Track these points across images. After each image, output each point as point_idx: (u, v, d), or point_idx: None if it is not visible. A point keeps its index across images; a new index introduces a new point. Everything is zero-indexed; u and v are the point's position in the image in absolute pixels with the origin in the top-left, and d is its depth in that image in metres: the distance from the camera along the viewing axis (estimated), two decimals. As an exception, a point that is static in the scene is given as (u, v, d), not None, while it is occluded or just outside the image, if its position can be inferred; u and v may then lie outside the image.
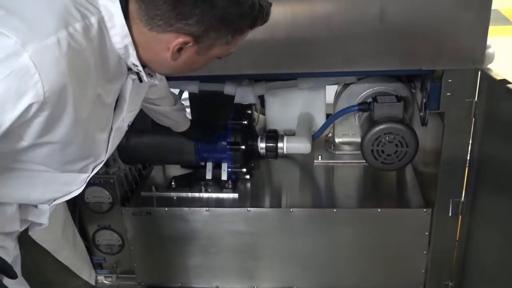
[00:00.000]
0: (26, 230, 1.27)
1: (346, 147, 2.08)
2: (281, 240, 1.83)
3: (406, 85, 1.85)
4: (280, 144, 1.85)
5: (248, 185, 1.96)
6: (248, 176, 1.96)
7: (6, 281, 1.06)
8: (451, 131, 1.55)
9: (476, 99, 1.49)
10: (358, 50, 1.46)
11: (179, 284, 1.96)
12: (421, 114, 1.70)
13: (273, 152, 1.86)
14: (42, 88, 0.82)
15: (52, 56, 0.83)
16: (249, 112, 1.96)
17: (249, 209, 1.79)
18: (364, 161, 1.70)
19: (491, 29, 1.38)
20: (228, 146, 1.84)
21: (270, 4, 0.99)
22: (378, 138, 1.64)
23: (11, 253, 1.16)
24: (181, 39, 0.93)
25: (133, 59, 0.98)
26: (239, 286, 1.93)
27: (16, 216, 1.17)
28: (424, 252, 1.78)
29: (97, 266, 2.02)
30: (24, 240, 1.26)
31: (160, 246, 1.89)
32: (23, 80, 0.81)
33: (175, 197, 1.90)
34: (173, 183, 1.93)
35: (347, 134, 2.05)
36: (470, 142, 1.57)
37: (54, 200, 1.20)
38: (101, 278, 2.06)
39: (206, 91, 1.95)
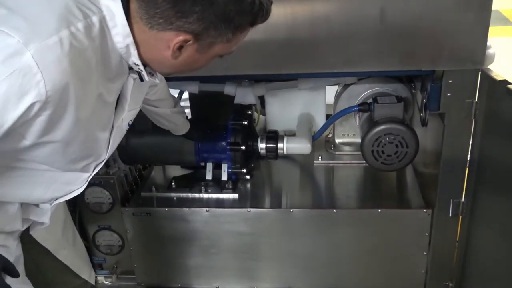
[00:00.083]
0: (27, 230, 1.27)
1: (346, 148, 2.08)
2: (281, 241, 1.83)
3: (407, 86, 1.85)
4: (280, 145, 1.84)
5: (248, 185, 1.96)
6: (248, 177, 1.96)
7: (9, 280, 1.05)
8: (452, 131, 1.55)
9: (476, 100, 1.49)
10: (358, 50, 1.46)
11: (179, 285, 1.96)
12: (421, 114, 1.70)
13: (273, 153, 1.86)
14: (44, 87, 0.83)
15: (54, 55, 0.83)
16: (249, 112, 1.96)
17: (249, 209, 1.79)
18: (364, 161, 1.70)
19: (492, 29, 1.39)
20: (228, 147, 1.84)
21: (271, 2, 0.99)
22: (378, 139, 1.64)
23: (13, 252, 1.16)
24: (181, 37, 0.93)
25: (134, 59, 0.98)
26: (239, 286, 1.93)
27: (17, 215, 1.17)
28: (424, 253, 1.78)
29: (97, 266, 2.02)
30: (25, 239, 1.26)
31: (160, 246, 1.89)
32: (26, 79, 0.81)
33: (175, 198, 1.90)
34: (173, 183, 1.93)
35: (347, 135, 2.05)
36: (471, 142, 1.57)
37: (56, 199, 1.20)
38: (101, 279, 2.06)
39: (206, 92, 1.95)
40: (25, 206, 1.19)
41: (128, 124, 1.19)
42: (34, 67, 0.81)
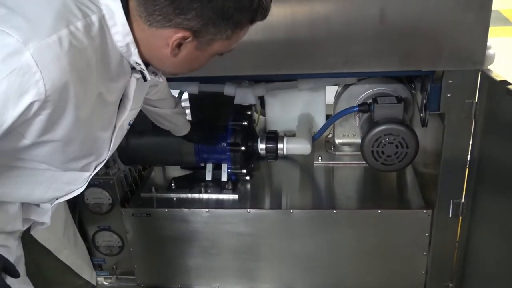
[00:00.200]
0: (27, 230, 1.27)
1: (346, 148, 2.08)
2: (281, 241, 1.83)
3: (406, 86, 1.85)
4: (280, 145, 1.84)
5: (248, 186, 1.96)
6: (248, 177, 1.96)
7: (9, 280, 1.05)
8: (452, 132, 1.55)
9: (476, 100, 1.49)
10: (358, 51, 1.46)
11: (179, 285, 1.96)
12: (421, 115, 1.70)
13: (273, 153, 1.85)
14: (43, 86, 0.83)
15: (53, 54, 0.83)
16: (249, 113, 1.96)
17: (249, 210, 1.78)
18: (364, 162, 1.70)
19: (492, 29, 1.38)
20: (228, 147, 1.84)
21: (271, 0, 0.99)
22: (378, 139, 1.64)
23: (14, 252, 1.16)
24: (180, 34, 0.92)
25: (135, 58, 0.98)
26: (239, 287, 1.93)
27: (18, 215, 1.17)
28: (425, 253, 1.78)
29: (97, 267, 2.02)
30: (25, 239, 1.26)
31: (160, 247, 1.89)
32: (25, 78, 0.81)
33: (175, 198, 1.90)
34: (173, 184, 1.93)
35: (347, 135, 2.05)
36: (470, 143, 1.57)
37: (56, 199, 1.20)
38: (101, 280, 2.06)
39: (206, 92, 1.95)
40: (25, 206, 1.19)
41: (129, 124, 1.19)
42: (33, 66, 0.81)
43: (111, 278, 2.04)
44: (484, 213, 1.56)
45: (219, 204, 1.85)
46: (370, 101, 1.78)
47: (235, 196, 1.87)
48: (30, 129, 0.90)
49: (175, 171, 2.05)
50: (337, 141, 2.07)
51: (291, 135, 1.95)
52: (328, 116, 2.03)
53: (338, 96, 1.95)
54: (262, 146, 1.85)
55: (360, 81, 1.87)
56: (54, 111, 0.88)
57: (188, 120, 1.76)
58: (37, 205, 1.21)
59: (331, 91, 2.03)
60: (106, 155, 1.16)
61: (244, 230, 1.81)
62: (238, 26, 0.96)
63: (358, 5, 1.41)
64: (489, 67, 1.47)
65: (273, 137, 1.86)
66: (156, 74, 1.09)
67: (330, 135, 2.13)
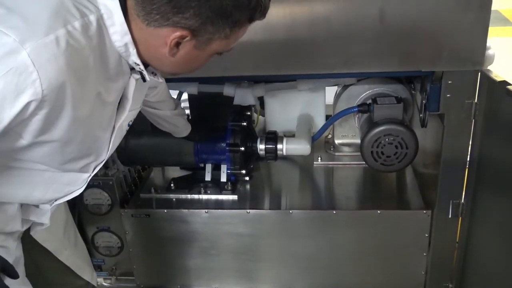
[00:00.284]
0: (27, 231, 1.27)
1: (346, 149, 2.08)
2: (280, 242, 1.83)
3: (406, 87, 1.85)
4: (279, 146, 1.84)
5: (248, 186, 1.96)
6: (247, 178, 1.96)
7: (8, 281, 1.05)
8: (451, 132, 1.55)
9: (476, 101, 1.49)
10: (358, 51, 1.46)
11: (179, 286, 1.96)
12: (421, 115, 1.69)
13: (273, 154, 1.85)
14: (40, 86, 0.82)
15: (50, 54, 0.82)
16: (249, 113, 1.96)
17: (248, 211, 1.78)
18: (364, 162, 1.70)
19: (491, 29, 1.38)
20: (228, 148, 1.84)
21: None
22: (378, 140, 1.64)
23: (13, 253, 1.16)
24: (178, 33, 0.92)
25: (134, 58, 0.98)
26: (238, 287, 1.93)
27: (17, 215, 1.16)
28: (424, 254, 1.78)
29: (96, 268, 2.01)
30: (25, 240, 1.25)
31: (159, 248, 1.89)
32: (22, 77, 0.81)
33: (174, 199, 1.90)
34: (172, 184, 1.93)
35: (347, 136, 2.05)
36: (470, 143, 1.57)
37: (56, 200, 1.19)
38: (100, 280, 2.06)
39: (206, 93, 1.95)
40: (25, 206, 1.19)
41: (128, 125, 1.19)
42: (30, 65, 0.80)
43: (111, 278, 2.04)
44: (484, 213, 1.56)
45: (219, 204, 1.84)
46: (369, 101, 1.78)
47: (235, 197, 1.87)
48: (27, 129, 0.90)
49: (175, 172, 2.05)
50: (336, 141, 2.07)
51: (291, 135, 1.95)
52: (327, 117, 2.03)
53: (337, 97, 1.95)
54: (261, 146, 1.85)
55: (359, 82, 1.87)
56: (51, 111, 0.88)
57: (188, 120, 1.76)
58: (36, 206, 1.21)
59: (330, 92, 2.03)
60: (105, 156, 1.15)
61: (243, 231, 1.81)
62: (236, 25, 0.96)
63: (358, 5, 1.40)
64: (489, 67, 1.47)
65: (273, 137, 1.86)
66: (155, 75, 1.09)
67: (330, 136, 2.12)
